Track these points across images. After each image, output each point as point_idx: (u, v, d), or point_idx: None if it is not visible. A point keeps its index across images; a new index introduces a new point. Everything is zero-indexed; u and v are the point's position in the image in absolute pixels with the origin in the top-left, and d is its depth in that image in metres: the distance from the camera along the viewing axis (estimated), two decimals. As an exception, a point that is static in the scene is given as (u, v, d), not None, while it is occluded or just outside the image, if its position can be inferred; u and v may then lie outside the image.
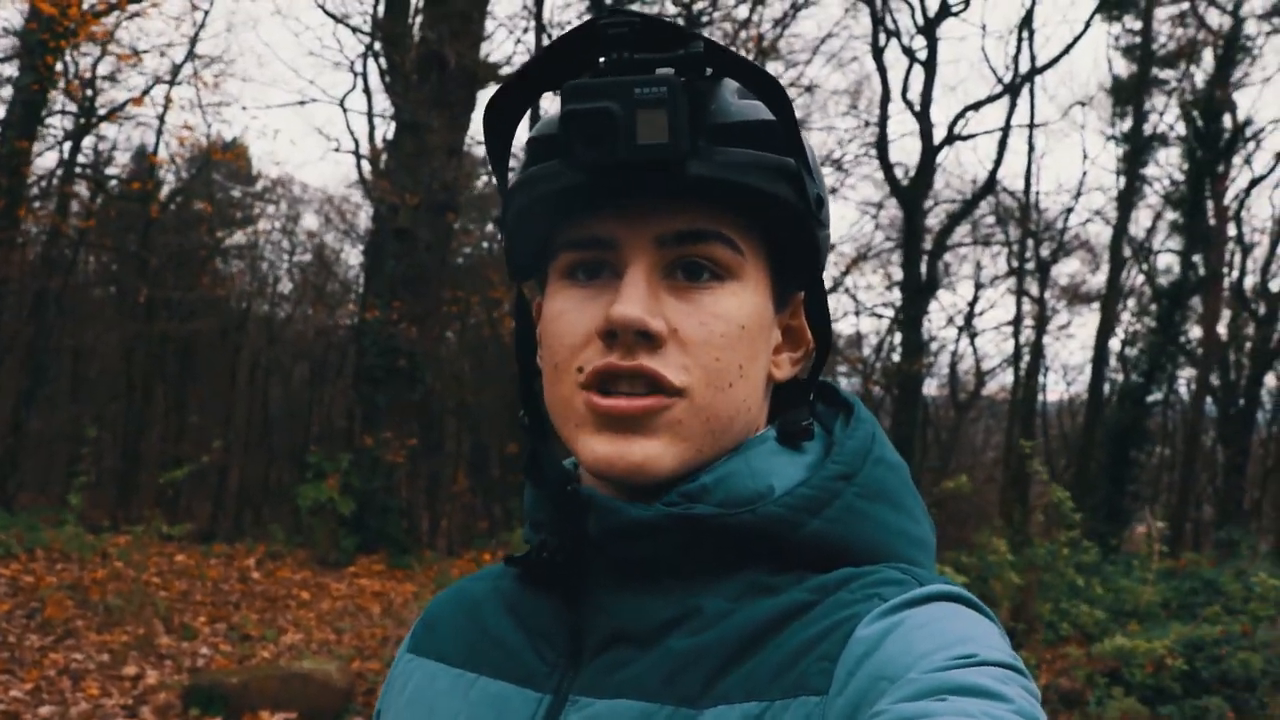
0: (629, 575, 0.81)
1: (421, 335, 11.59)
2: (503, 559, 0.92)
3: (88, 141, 21.62)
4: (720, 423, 0.81)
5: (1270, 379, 21.13)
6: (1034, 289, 21.22)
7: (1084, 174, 28.24)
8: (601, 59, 0.80)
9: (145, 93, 20.65)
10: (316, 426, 24.17)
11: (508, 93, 0.84)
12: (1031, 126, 19.39)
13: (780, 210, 0.82)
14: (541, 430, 0.89)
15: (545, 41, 15.12)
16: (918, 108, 18.84)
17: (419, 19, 13.66)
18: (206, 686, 6.30)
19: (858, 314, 23.96)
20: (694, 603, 0.79)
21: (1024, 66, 19.13)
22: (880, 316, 23.70)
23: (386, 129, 18.47)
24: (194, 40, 18.31)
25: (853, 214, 38.23)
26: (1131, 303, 21.25)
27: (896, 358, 19.48)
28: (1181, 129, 18.00)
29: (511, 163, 0.89)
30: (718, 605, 0.78)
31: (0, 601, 8.73)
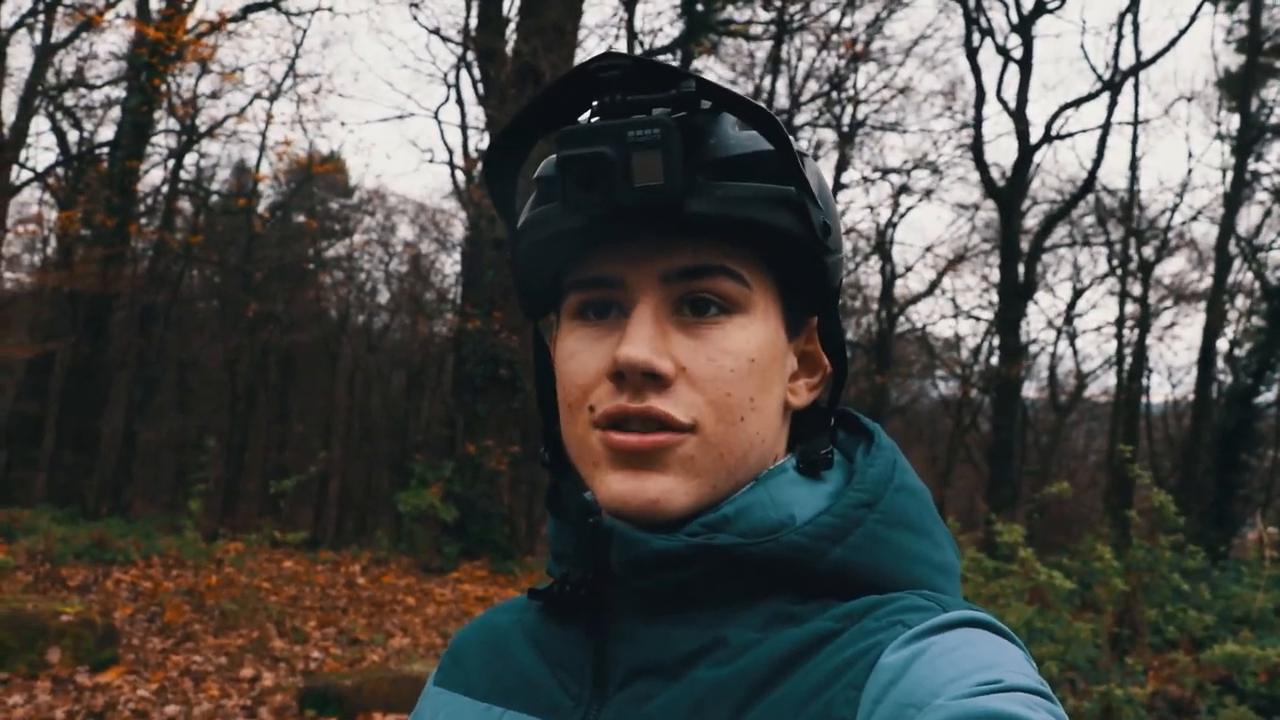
0: (653, 607, 0.81)
1: (521, 344, 11.75)
2: (526, 592, 0.92)
3: (190, 158, 22.33)
4: (734, 457, 0.82)
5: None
6: (1136, 289, 20.74)
7: (1189, 171, 27.42)
8: (595, 102, 0.81)
9: (243, 110, 21.30)
10: (418, 435, 24.54)
11: (506, 138, 0.84)
12: (1136, 124, 18.94)
13: (784, 240, 0.82)
14: (562, 466, 0.89)
15: (638, 49, 15.23)
16: (1013, 107, 18.57)
17: (513, 31, 13.87)
18: (321, 688, 6.46)
19: (955, 316, 23.73)
20: (719, 633, 0.79)
21: (1125, 62, 18.74)
22: (978, 319, 23.39)
23: (480, 139, 18.72)
24: (294, 58, 18.73)
25: (948, 215, 37.71)
26: (1240, 301, 20.64)
27: (994, 361, 19.16)
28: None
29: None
30: (743, 636, 0.78)
31: (123, 605, 9.08)
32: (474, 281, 13.73)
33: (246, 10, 19.09)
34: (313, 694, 6.47)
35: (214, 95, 20.89)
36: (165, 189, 21.58)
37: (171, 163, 21.50)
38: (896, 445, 0.88)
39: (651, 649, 0.80)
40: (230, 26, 18.28)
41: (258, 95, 20.35)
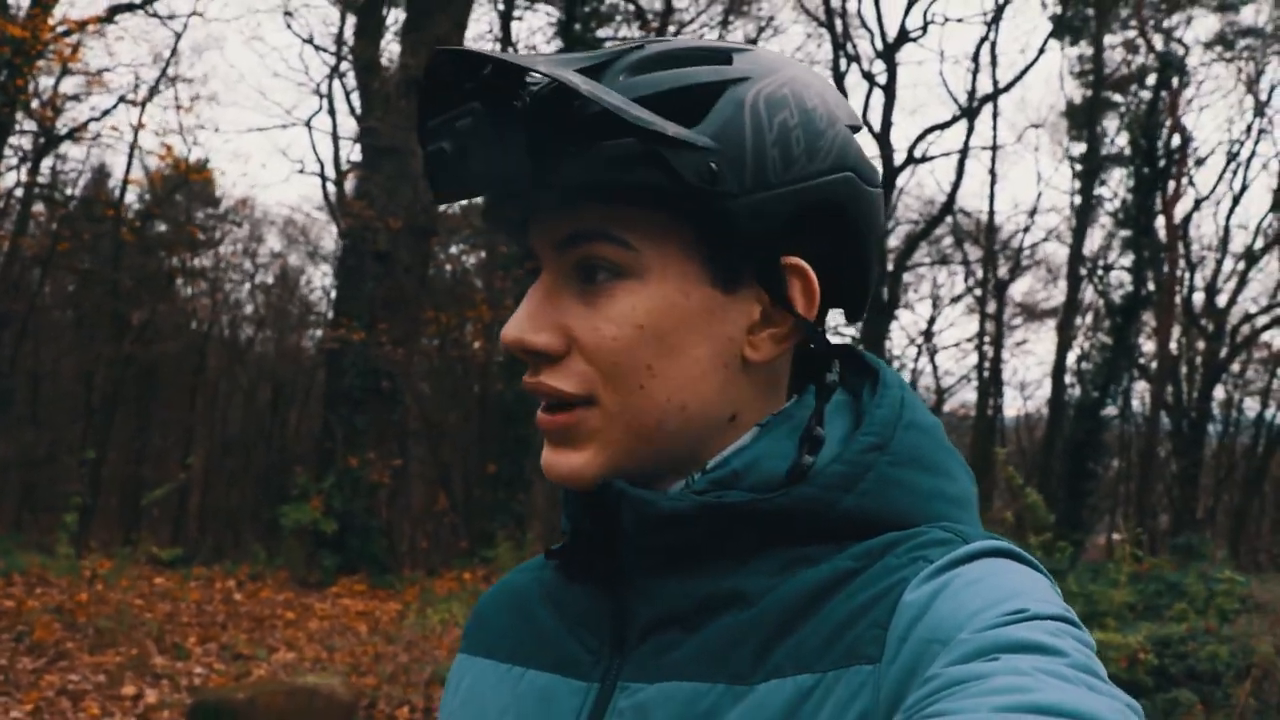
0: (668, 560, 0.80)
1: (404, 357, 11.74)
2: (543, 552, 0.93)
3: (45, 162, 21.52)
4: (644, 424, 0.79)
5: (1219, 392, 21.77)
6: (992, 308, 21.71)
7: (1039, 194, 28.89)
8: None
9: (106, 113, 20.60)
10: (295, 447, 24.06)
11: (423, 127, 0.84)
12: (994, 149, 19.89)
13: (658, 197, 0.76)
14: None
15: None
16: (878, 131, 19.25)
17: (389, 42, 13.85)
18: (212, 704, 6.38)
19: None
20: (737, 580, 0.78)
21: (982, 90, 19.64)
22: (842, 336, 24.10)
23: (351, 150, 18.54)
24: (167, 62, 18.25)
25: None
26: (1088, 318, 21.83)
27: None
28: (1129, 149, 18.53)
29: None
30: (760, 581, 0.78)
31: (-14, 624, 8.76)
32: (350, 293, 13.61)
33: (113, 11, 18.56)
34: (203, 709, 6.38)
35: (75, 97, 20.20)
36: (20, 192, 20.76)
37: (27, 166, 20.72)
38: (903, 380, 0.85)
39: (669, 601, 0.80)
40: (96, 27, 17.74)
41: (123, 99, 19.76)
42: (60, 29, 16.33)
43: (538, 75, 0.76)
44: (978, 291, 21.65)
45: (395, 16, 14.90)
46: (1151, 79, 18.28)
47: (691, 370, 0.80)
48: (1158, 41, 18.54)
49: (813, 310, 0.82)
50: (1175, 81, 18.30)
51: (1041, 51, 19.22)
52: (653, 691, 0.77)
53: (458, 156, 0.78)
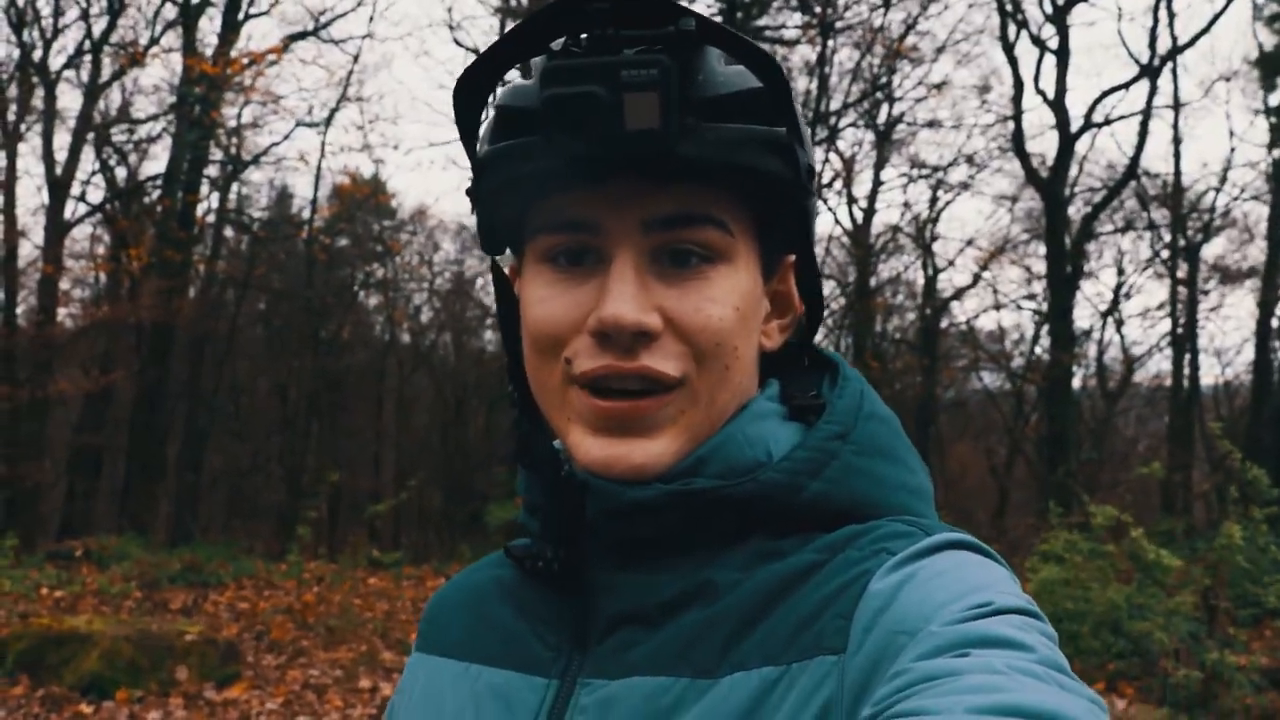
0: (632, 555, 0.80)
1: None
2: (504, 550, 0.91)
3: (231, 187, 22.70)
4: (718, 409, 0.80)
5: None
6: (1183, 272, 20.75)
7: (1231, 151, 27.33)
8: (583, 35, 0.75)
9: (286, 137, 21.67)
10: (471, 450, 24.78)
11: (478, 70, 0.79)
12: (1176, 107, 18.99)
13: (772, 185, 0.80)
14: (530, 409, 0.87)
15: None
16: (1052, 97, 18.64)
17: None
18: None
19: (998, 308, 23.75)
20: (702, 576, 0.78)
21: (1162, 47, 18.77)
22: (1022, 309, 23.43)
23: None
24: (345, 85, 19.02)
25: (987, 208, 37.65)
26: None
27: (1039, 351, 19.23)
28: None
29: None
30: (727, 575, 0.77)
31: (228, 625, 9.34)
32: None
33: (290, 39, 19.49)
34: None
35: (255, 124, 21.26)
36: (212, 218, 21.97)
37: (217, 193, 21.93)
38: (859, 374, 0.87)
39: (633, 597, 0.79)
40: (275, 57, 18.66)
41: (300, 123, 20.73)
42: (244, 61, 17.22)
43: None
44: (1166, 256, 20.70)
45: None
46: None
47: (752, 354, 0.83)
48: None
49: (800, 305, 0.89)
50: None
51: (1229, 1, 18.14)
52: (615, 688, 0.76)
53: (613, 105, 0.73)
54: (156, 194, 19.65)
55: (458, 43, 17.76)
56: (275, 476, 24.14)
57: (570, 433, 0.80)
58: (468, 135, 0.82)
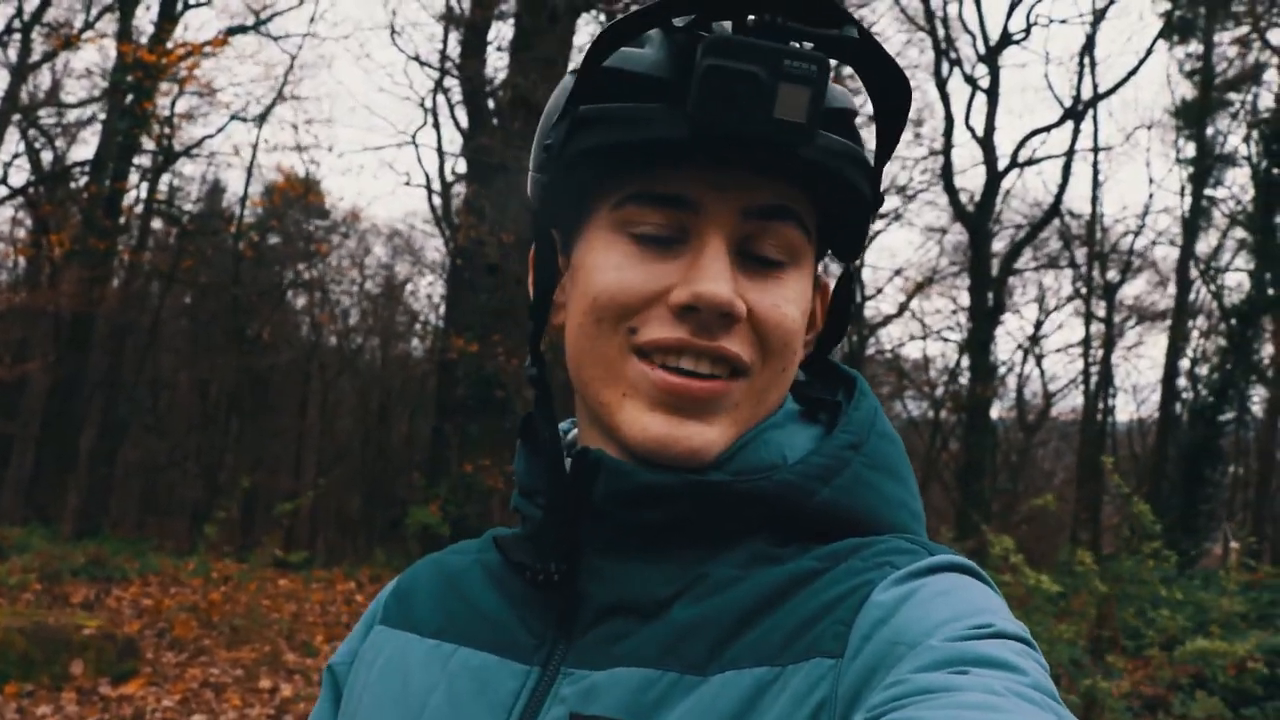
0: (629, 544, 0.79)
1: (515, 367, 12.02)
2: (493, 541, 0.90)
3: (163, 178, 22.37)
4: (767, 405, 0.82)
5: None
6: (1101, 311, 21.33)
7: (1150, 196, 28.13)
8: (751, 17, 0.75)
9: (220, 130, 21.37)
10: (393, 455, 24.64)
11: (627, 25, 0.77)
12: (1096, 150, 19.57)
13: (856, 201, 0.82)
14: (546, 391, 0.85)
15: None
16: (981, 134, 19.09)
17: (496, 60, 14.16)
18: (346, 696, 6.65)
19: (925, 338, 24.15)
20: (699, 571, 0.78)
21: (1087, 93, 19.35)
22: (947, 340, 23.89)
23: (455, 163, 18.93)
24: (283, 82, 18.87)
25: (917, 239, 38.26)
26: (1201, 321, 21.32)
27: (964, 381, 19.63)
28: (1247, 150, 18.10)
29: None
30: (724, 572, 0.77)
31: (130, 621, 9.22)
32: (462, 305, 13.95)
33: (230, 32, 19.28)
34: (336, 702, 6.66)
35: (189, 116, 20.98)
36: (140, 209, 21.60)
37: (146, 183, 21.55)
38: (874, 394, 0.89)
39: (626, 587, 0.78)
40: (213, 47, 18.44)
41: (235, 116, 20.46)
42: (181, 52, 17.02)
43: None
44: (1084, 293, 21.26)
45: (498, 31, 15.25)
46: (1271, 75, 17.85)
47: (798, 362, 0.84)
48: (1275, 37, 18.07)
49: (820, 323, 0.91)
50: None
51: (1150, 51, 18.76)
52: (599, 678, 0.75)
53: (769, 91, 0.72)
54: (84, 180, 19.33)
55: (399, 48, 17.67)
56: (191, 474, 23.83)
57: (623, 408, 0.79)
58: (587, 87, 0.78)
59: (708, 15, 0.77)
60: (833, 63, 0.75)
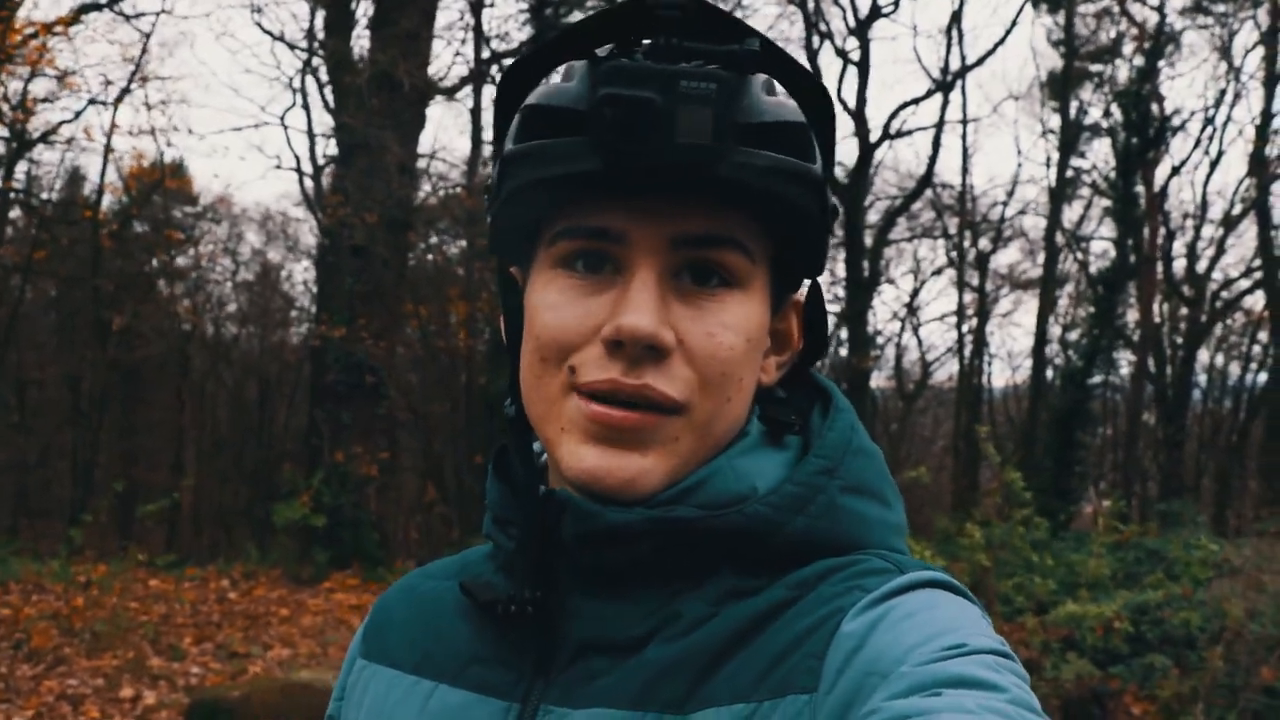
0: (604, 581, 0.78)
1: (385, 351, 11.81)
2: (460, 586, 0.86)
3: (19, 166, 21.44)
4: (713, 438, 0.79)
5: (1202, 356, 21.95)
6: (975, 280, 21.83)
7: (1018, 166, 28.89)
8: (645, 41, 0.75)
9: (78, 115, 20.50)
10: (282, 445, 24.12)
11: (529, 61, 0.79)
12: (965, 122, 19.96)
13: (799, 219, 0.79)
14: (523, 423, 0.85)
15: (485, 53, 15.35)
16: (853, 107, 19.29)
17: (363, 38, 13.84)
18: (209, 702, 6.47)
19: (803, 311, 24.39)
20: (672, 609, 0.77)
21: (955, 64, 19.69)
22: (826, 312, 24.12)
23: (326, 145, 18.52)
24: (138, 62, 18.18)
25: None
26: (1070, 289, 21.97)
27: (844, 353, 19.92)
28: (1111, 120, 18.64)
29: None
30: (697, 609, 0.76)
31: (-24, 633, 8.81)
32: (331, 289, 13.65)
33: (81, 10, 18.46)
34: (200, 708, 6.47)
35: (47, 100, 20.08)
36: (-6, 198, 20.69)
37: (1, 171, 20.63)
38: (849, 404, 0.87)
39: (601, 625, 0.78)
40: (64, 29, 17.65)
41: (93, 100, 19.65)
42: (28, 31, 16.26)
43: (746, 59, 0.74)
44: (958, 264, 21.74)
45: (366, 10, 14.90)
46: (1129, 48, 18.38)
47: (750, 389, 0.82)
48: (1135, 10, 18.62)
49: (798, 343, 0.89)
50: (1169, 50, 18.39)
51: (1015, 22, 19.19)
52: (578, 717, 0.75)
53: (667, 115, 0.71)
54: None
55: (260, 26, 17.16)
56: (63, 472, 22.98)
57: (562, 443, 0.78)
58: (501, 128, 0.81)
59: (597, 44, 0.77)
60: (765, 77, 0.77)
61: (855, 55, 19.44)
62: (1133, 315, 19.04)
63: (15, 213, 22.05)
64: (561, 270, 0.79)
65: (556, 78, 0.79)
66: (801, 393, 0.88)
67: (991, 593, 7.97)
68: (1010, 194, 21.73)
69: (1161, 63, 18.19)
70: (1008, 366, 32.05)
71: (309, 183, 19.83)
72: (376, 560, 12.55)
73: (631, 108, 0.71)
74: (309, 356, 17.92)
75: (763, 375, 0.85)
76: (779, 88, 0.80)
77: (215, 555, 16.84)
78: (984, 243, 21.79)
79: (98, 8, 18.85)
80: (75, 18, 18.29)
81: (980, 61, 19.54)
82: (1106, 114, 18.75)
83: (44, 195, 23.08)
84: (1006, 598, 8.29)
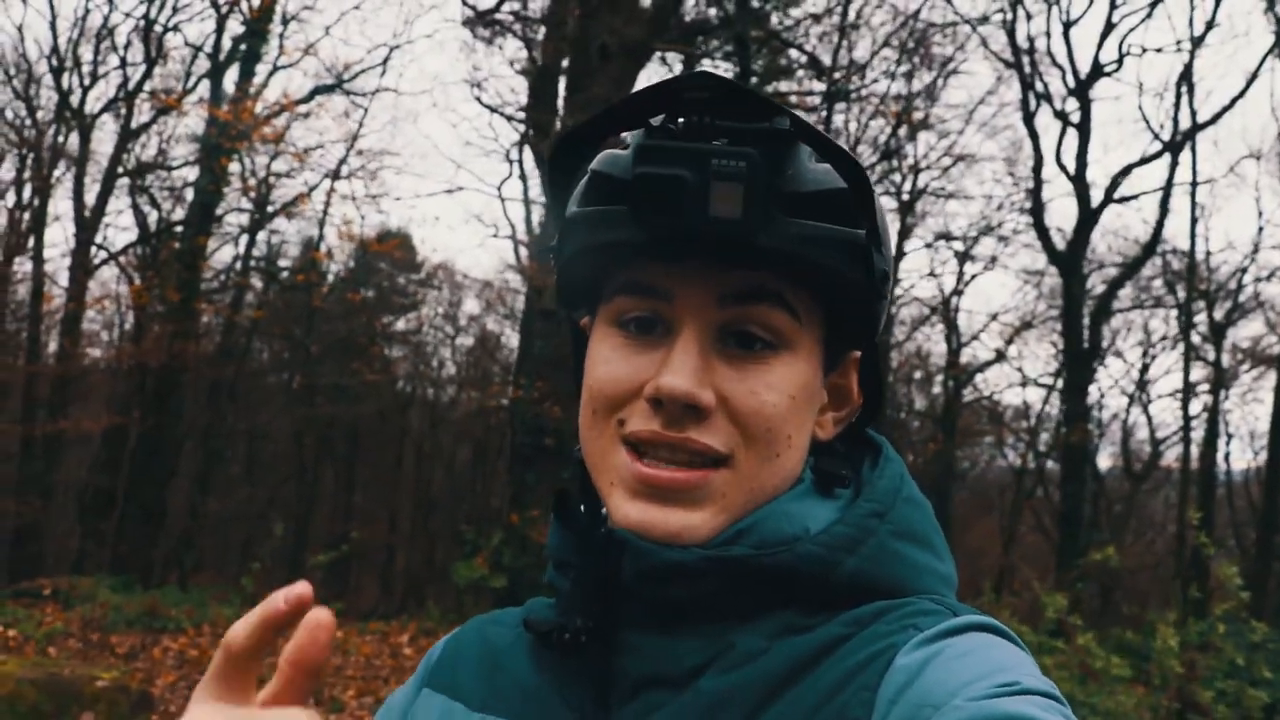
0: (661, 618, 0.80)
1: (568, 414, 11.78)
2: (523, 623, 0.90)
3: (262, 236, 22.97)
4: (764, 492, 0.81)
5: None
6: (1210, 354, 20.18)
7: (1259, 230, 26.67)
8: (680, 119, 0.79)
9: (312, 190, 21.77)
10: (484, 506, 24.66)
11: (574, 138, 0.83)
12: (1195, 184, 18.59)
13: (843, 285, 0.81)
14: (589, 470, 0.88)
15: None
16: (1073, 171, 18.33)
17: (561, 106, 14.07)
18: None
19: (1023, 385, 23.17)
20: (726, 641, 0.78)
21: (1185, 122, 18.41)
22: (1048, 387, 22.87)
23: (543, 214, 18.96)
24: (354, 136, 19.19)
25: (1014, 283, 37.16)
26: (1317, 364, 19.97)
27: (1061, 429, 18.74)
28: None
29: None
30: (752, 643, 0.77)
31: (167, 673, 9.14)
32: (527, 353, 13.81)
33: (314, 92, 19.71)
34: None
35: (288, 174, 21.43)
36: (238, 266, 22.22)
37: (244, 240, 22.16)
38: (900, 457, 0.89)
39: (658, 661, 0.79)
40: (300, 108, 18.87)
41: (326, 175, 20.87)
42: (263, 111, 17.41)
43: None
44: (1185, 336, 20.17)
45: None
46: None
47: (804, 445, 0.84)
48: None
49: (858, 399, 0.90)
50: None
51: (1255, 75, 17.77)
52: None
53: (699, 191, 0.75)
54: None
55: (479, 101, 17.79)
56: (283, 523, 24.06)
57: (611, 495, 0.82)
58: (557, 196, 0.86)
59: (636, 123, 0.81)
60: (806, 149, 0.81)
61: (1075, 117, 18.55)
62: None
63: (257, 280, 23.61)
64: (616, 328, 0.83)
65: (618, 145, 0.85)
66: (857, 450, 0.90)
67: (1197, 700, 7.09)
68: (1251, 260, 19.96)
69: None
70: (1249, 448, 29.53)
71: (523, 251, 20.40)
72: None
73: (664, 185, 0.75)
74: (509, 420, 18.24)
75: (819, 430, 0.87)
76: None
77: (403, 612, 17.18)
78: (1219, 313, 20.15)
79: (331, 89, 20.09)
80: (310, 97, 19.57)
81: (1215, 119, 18.18)
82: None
83: (281, 263, 24.63)
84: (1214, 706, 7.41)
